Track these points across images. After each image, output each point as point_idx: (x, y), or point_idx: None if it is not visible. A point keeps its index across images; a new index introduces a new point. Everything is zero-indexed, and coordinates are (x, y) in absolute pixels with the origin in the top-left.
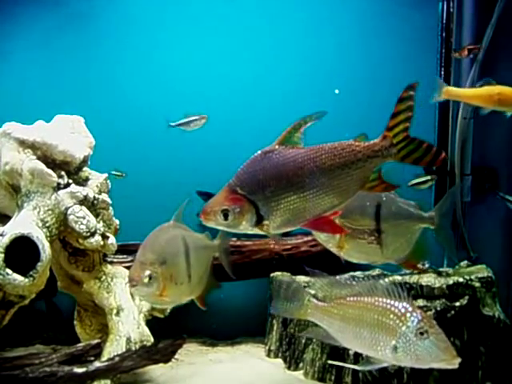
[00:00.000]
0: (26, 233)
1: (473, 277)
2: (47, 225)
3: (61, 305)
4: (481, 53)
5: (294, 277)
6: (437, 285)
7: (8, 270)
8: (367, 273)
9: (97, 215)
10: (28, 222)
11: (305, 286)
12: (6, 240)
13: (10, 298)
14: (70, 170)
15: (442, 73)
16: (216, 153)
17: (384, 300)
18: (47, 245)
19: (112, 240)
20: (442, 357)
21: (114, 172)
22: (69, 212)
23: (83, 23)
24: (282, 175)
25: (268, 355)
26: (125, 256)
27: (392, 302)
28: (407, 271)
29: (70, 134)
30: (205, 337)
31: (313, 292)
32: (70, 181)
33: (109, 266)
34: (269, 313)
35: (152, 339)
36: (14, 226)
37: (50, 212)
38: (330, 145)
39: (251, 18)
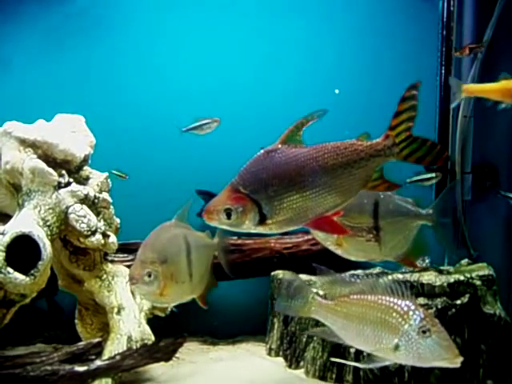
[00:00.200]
0: (26, 231)
1: (474, 275)
2: (48, 224)
3: (62, 304)
4: (481, 51)
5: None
6: (438, 283)
7: (9, 269)
8: (368, 271)
9: (98, 214)
10: (29, 220)
11: None
12: (6, 239)
13: (11, 297)
14: (71, 169)
15: (443, 71)
16: (217, 152)
17: (387, 298)
18: (48, 243)
19: (113, 239)
20: (444, 355)
21: (116, 172)
22: (70, 211)
23: (84, 22)
24: (285, 174)
25: (269, 354)
26: (126, 255)
27: (395, 301)
28: (408, 269)
29: (71, 133)
30: (206, 335)
31: (314, 290)
32: (71, 180)
33: (110, 265)
34: (269, 311)
35: (153, 338)
36: (14, 225)
37: (50, 211)
38: (332, 144)
39: (252, 19)
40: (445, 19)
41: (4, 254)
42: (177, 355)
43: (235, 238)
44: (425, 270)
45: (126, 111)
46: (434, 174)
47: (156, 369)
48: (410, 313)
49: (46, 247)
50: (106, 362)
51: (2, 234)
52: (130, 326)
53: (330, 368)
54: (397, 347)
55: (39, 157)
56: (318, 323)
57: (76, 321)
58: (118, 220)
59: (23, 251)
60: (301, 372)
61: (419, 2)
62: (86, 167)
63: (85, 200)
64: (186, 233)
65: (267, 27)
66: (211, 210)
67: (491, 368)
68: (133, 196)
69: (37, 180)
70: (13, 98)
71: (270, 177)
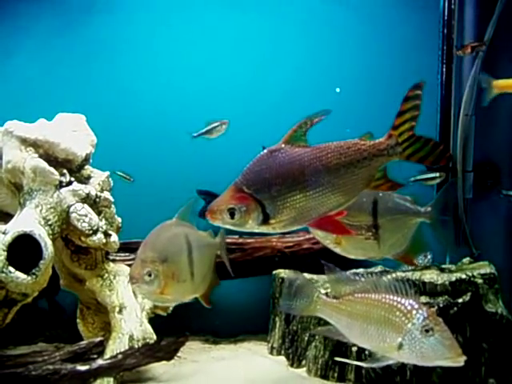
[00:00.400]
0: (28, 231)
1: (475, 273)
2: (49, 223)
3: (63, 303)
4: (483, 49)
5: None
6: (439, 281)
7: (11, 268)
8: (370, 270)
9: (99, 213)
10: (30, 220)
11: None
12: (8, 238)
13: (13, 296)
14: (72, 168)
15: (444, 70)
16: (219, 151)
17: (391, 297)
18: (50, 243)
19: (114, 238)
20: (446, 354)
21: (121, 174)
22: (71, 210)
23: (85, 21)
24: (288, 174)
25: (271, 352)
26: (127, 254)
27: (398, 299)
28: (409, 267)
29: (72, 132)
30: (207, 334)
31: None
32: (72, 179)
33: (111, 264)
34: (271, 310)
35: (155, 337)
36: (16, 224)
37: (52, 210)
38: (335, 143)
39: (252, 20)
40: (446, 17)
41: (5, 253)
42: (178, 354)
43: (236, 236)
44: (426, 268)
45: (127, 110)
46: (437, 174)
47: (158, 368)
48: (414, 312)
49: (48, 246)
50: (108, 361)
51: (4, 233)
52: (131, 325)
53: (331, 367)
54: (400, 346)
55: (40, 156)
56: (319, 322)
57: (78, 320)
58: (119, 219)
59: (25, 250)
60: (303, 371)
61: (420, 0)
62: (87, 166)
63: (86, 199)
64: (187, 232)
65: (267, 27)
66: (215, 209)
67: (493, 366)
68: (134, 195)
69: (38, 179)
70: (14, 97)
71: (273, 176)
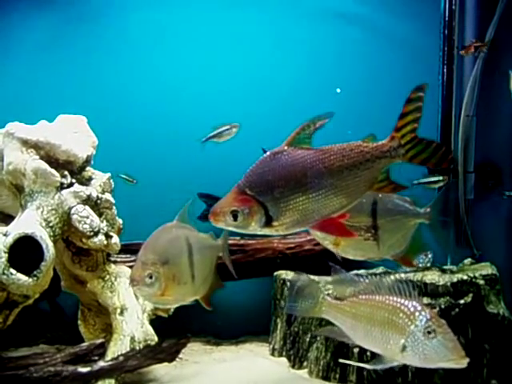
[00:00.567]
0: (29, 232)
1: (477, 274)
2: (51, 224)
3: (64, 305)
4: (485, 50)
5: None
6: (441, 282)
7: (12, 270)
8: (371, 271)
9: (100, 215)
10: (31, 221)
11: None
12: (9, 240)
13: (14, 298)
14: (73, 170)
15: (445, 70)
16: (221, 153)
17: (394, 298)
18: (51, 244)
19: (115, 239)
20: (449, 357)
21: (124, 176)
22: (72, 211)
23: (86, 23)
24: (291, 176)
25: (272, 354)
26: (128, 255)
27: (402, 301)
28: (411, 268)
29: (73, 134)
30: (209, 336)
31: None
32: (74, 180)
33: (112, 266)
34: (272, 311)
35: (156, 338)
36: (17, 226)
37: (53, 212)
38: (338, 146)
39: (255, 22)
40: (447, 18)
41: (7, 255)
42: (180, 356)
43: (238, 238)
44: (428, 269)
45: (128, 112)
46: (441, 177)
47: (159, 369)
48: (417, 313)
49: (49, 248)
50: (109, 362)
51: (5, 235)
52: (132, 326)
53: (333, 368)
54: (404, 348)
55: (42, 158)
56: (321, 323)
57: (79, 322)
58: (120, 221)
59: (26, 252)
60: (304, 372)
61: (421, 1)
62: (88, 168)
63: (87, 201)
64: (188, 234)
65: (270, 28)
66: (218, 211)
67: (495, 367)
68: (135, 196)
69: (39, 181)
70: (15, 98)
71: (276, 179)
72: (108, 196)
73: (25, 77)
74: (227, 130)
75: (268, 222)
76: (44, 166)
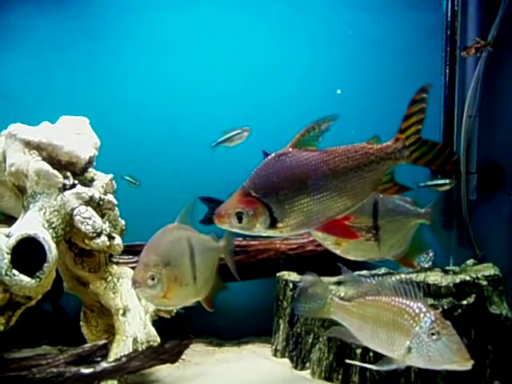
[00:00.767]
0: (32, 233)
1: (480, 275)
2: (53, 226)
3: (67, 306)
4: (486, 50)
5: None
6: (444, 283)
7: (15, 271)
8: (374, 271)
9: (102, 216)
10: (34, 222)
11: None
12: (12, 241)
13: (17, 299)
14: (76, 171)
15: (447, 71)
16: (224, 155)
17: (399, 300)
18: (53, 246)
19: (118, 240)
20: (453, 359)
21: (128, 178)
22: (75, 213)
23: (89, 23)
24: (296, 178)
25: (275, 355)
26: (131, 256)
27: (407, 302)
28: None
29: (76, 135)
30: (211, 337)
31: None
32: (76, 181)
33: (115, 267)
34: (275, 312)
35: (159, 339)
36: (20, 227)
37: (55, 213)
38: (342, 147)
39: (258, 25)
40: (449, 19)
41: (9, 256)
42: (183, 357)
43: (240, 239)
44: (430, 269)
45: (131, 113)
46: (448, 181)
47: (162, 370)
48: (421, 315)
49: (52, 249)
50: (112, 363)
51: (8, 236)
52: (135, 327)
53: (336, 369)
54: (409, 349)
55: (44, 159)
56: (323, 324)
57: (81, 323)
58: (122, 222)
59: (28, 253)
60: (307, 373)
61: (423, 1)
62: (90, 169)
63: (90, 202)
64: (190, 235)
65: (272, 31)
66: (222, 213)
67: (498, 368)
68: (138, 198)
69: (42, 182)
70: (17, 99)
71: (280, 180)
72: (110, 197)
73: (27, 78)
74: (238, 134)
75: (273, 224)
76: (46, 167)
